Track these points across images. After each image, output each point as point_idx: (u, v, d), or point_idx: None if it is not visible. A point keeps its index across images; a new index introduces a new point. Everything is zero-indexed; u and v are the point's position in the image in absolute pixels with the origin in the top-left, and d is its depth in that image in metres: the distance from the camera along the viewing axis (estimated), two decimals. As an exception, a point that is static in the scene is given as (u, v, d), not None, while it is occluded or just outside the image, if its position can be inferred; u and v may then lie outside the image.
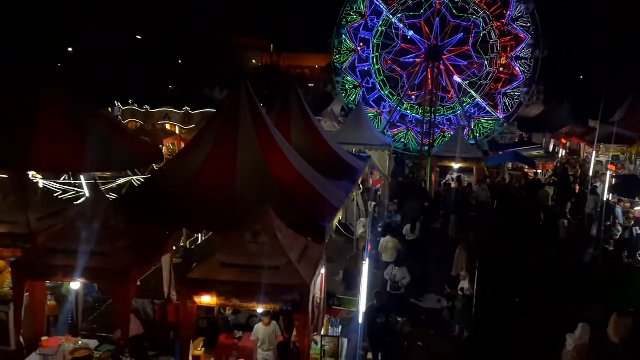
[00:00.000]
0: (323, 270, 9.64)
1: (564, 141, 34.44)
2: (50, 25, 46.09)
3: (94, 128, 14.39)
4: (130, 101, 28.51)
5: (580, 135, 31.67)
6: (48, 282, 9.63)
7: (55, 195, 14.19)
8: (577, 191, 23.58)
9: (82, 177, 15.19)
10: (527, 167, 27.41)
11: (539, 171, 28.36)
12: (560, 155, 33.59)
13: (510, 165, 28.02)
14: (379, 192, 22.65)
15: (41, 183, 14.46)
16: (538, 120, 37.18)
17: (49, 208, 11.01)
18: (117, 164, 15.48)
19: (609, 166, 23.90)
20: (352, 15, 33.42)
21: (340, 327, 10.46)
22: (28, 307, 9.21)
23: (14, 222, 10.25)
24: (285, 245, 8.54)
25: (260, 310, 8.72)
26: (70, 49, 53.71)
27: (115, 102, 28.69)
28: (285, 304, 8.13)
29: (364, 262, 9.73)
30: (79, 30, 51.47)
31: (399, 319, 11.80)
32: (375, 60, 33.81)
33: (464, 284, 12.47)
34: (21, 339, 9.14)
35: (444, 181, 24.98)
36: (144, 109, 27.93)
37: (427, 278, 14.54)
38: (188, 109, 27.55)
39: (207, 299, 8.24)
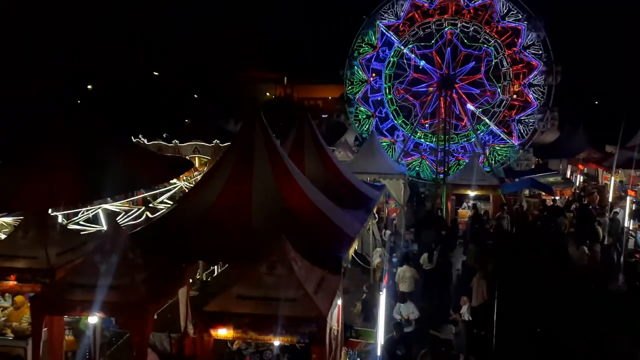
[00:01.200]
0: (340, 302, 9.56)
1: (581, 167, 34.13)
2: (69, 62, 47.32)
3: (108, 157, 14.57)
4: (164, 135, 28.95)
5: (597, 161, 31.38)
6: (66, 317, 9.68)
7: (74, 230, 14.32)
8: (596, 218, 23.21)
9: (99, 210, 15.36)
10: (544, 193, 27.13)
11: (557, 197, 28.05)
12: (577, 182, 33.25)
13: (527, 192, 27.77)
14: (394, 221, 22.55)
15: (60, 218, 14.63)
16: (554, 146, 36.94)
17: (68, 243, 11.15)
18: (137, 184, 15.67)
19: (629, 192, 23.55)
20: (363, 47, 33.93)
21: (358, 359, 10.30)
22: (46, 342, 9.24)
23: (34, 257, 10.38)
24: (301, 276, 8.51)
25: (276, 343, 8.63)
26: (89, 86, 55.05)
27: (140, 137, 29.06)
28: (302, 336, 8.05)
29: (381, 293, 9.65)
30: (97, 67, 52.81)
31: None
32: (387, 90, 34.13)
33: (464, 310, 12.30)
34: (39, 375, 9.12)
35: (470, 213, 24.62)
36: (172, 143, 28.23)
37: (446, 308, 14.32)
38: (218, 141, 27.82)
39: (223, 332, 8.20)
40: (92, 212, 15.51)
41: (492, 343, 11.96)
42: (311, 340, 8.09)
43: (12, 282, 10.32)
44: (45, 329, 9.13)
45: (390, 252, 17.41)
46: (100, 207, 15.23)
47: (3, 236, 14.44)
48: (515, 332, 12.95)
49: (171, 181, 18.30)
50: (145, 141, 28.79)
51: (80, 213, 15.77)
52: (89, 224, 15.47)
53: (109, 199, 15.34)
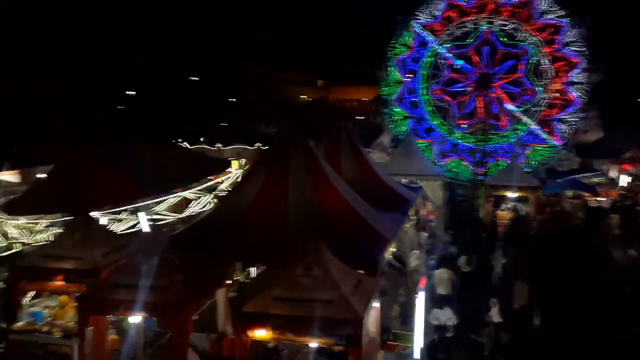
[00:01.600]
0: (376, 304, 9.52)
1: (626, 167, 32.92)
2: (111, 70, 48.70)
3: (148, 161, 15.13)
4: (201, 139, 29.59)
5: (644, 160, 30.27)
6: (110, 316, 9.97)
7: (117, 231, 14.79)
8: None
9: (140, 213, 15.77)
10: (588, 195, 26.30)
11: (601, 199, 27.14)
12: (623, 182, 32.08)
13: (569, 193, 26.98)
14: (432, 223, 22.30)
15: (104, 220, 15.11)
16: (598, 146, 35.75)
17: (112, 244, 11.48)
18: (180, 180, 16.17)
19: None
20: (399, 48, 33.72)
21: (396, 362, 10.24)
22: (91, 341, 9.54)
23: (80, 258, 10.73)
24: (337, 278, 8.53)
25: (313, 344, 8.67)
26: (133, 92, 56.58)
27: (181, 140, 29.73)
28: (339, 338, 8.06)
29: (417, 297, 9.57)
30: (138, 74, 54.22)
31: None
32: (424, 90, 33.80)
33: (493, 312, 12.05)
34: (85, 372, 9.44)
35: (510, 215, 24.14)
36: (215, 147, 28.81)
37: (486, 311, 14.06)
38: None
39: (261, 333, 8.30)
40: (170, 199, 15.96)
41: (529, 346, 11.67)
42: (348, 343, 8.09)
43: (59, 282, 10.68)
44: (91, 328, 9.44)
45: (427, 254, 17.22)
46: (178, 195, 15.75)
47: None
48: (552, 335, 12.60)
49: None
50: (187, 145, 29.34)
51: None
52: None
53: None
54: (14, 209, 15.52)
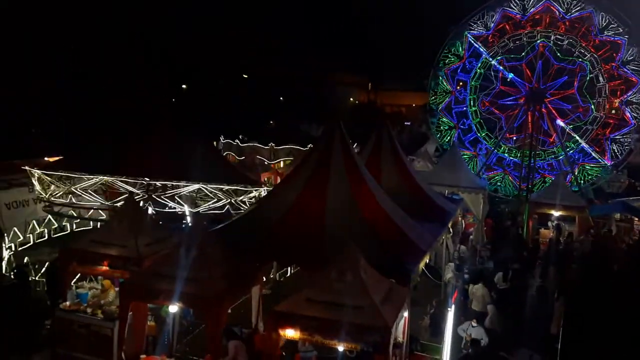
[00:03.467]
0: (406, 314, 9.61)
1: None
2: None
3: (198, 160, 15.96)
4: (240, 136, 30.14)
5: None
6: (150, 303, 10.44)
7: (161, 222, 15.39)
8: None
9: (186, 206, 16.32)
10: (637, 219, 25.39)
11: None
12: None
13: (617, 216, 26.12)
14: (471, 237, 22.07)
15: (150, 210, 15.74)
16: (651, 169, 34.49)
17: (156, 234, 12.02)
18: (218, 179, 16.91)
19: None
20: (449, 57, 33.47)
21: (422, 373, 10.29)
22: (131, 325, 10.02)
23: (125, 245, 11.28)
24: (369, 285, 8.67)
25: (340, 348, 8.84)
26: (184, 86, 58.16)
27: (221, 136, 30.46)
28: (366, 344, 8.21)
29: (449, 310, 9.60)
30: (191, 70, 55.67)
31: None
32: (472, 101, 33.42)
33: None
34: (123, 355, 9.92)
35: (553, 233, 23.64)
36: (268, 146, 29.36)
37: (520, 331, 13.87)
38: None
39: (291, 333, 8.53)
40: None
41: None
42: (375, 349, 8.23)
43: (105, 267, 11.25)
44: (131, 313, 9.92)
45: (462, 268, 17.09)
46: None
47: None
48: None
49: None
50: (239, 142, 29.83)
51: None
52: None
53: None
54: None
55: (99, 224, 18.38)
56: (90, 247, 11.35)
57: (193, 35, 57.77)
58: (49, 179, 16.61)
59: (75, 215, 18.50)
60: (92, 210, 17.67)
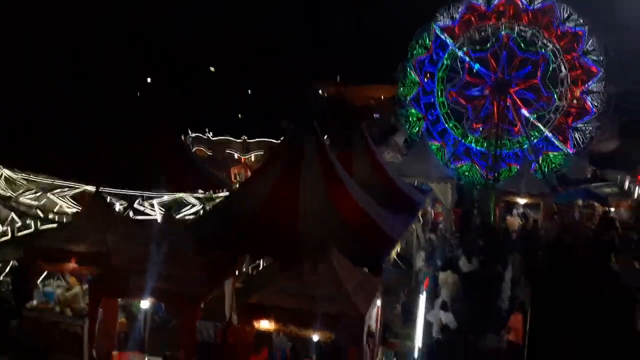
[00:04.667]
0: (379, 302, 9.74)
1: (640, 178, 32.70)
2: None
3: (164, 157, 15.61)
4: (206, 129, 29.72)
5: (658, 173, 30.03)
6: (120, 300, 10.30)
7: (131, 218, 15.15)
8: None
9: (155, 201, 16.08)
10: (598, 204, 26.25)
11: (612, 209, 27.06)
12: (635, 194, 31.90)
13: (581, 202, 26.93)
14: (440, 225, 22.44)
15: (118, 206, 15.48)
16: (612, 156, 35.62)
17: (125, 230, 11.82)
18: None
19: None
20: (417, 49, 33.77)
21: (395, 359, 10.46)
22: (101, 322, 9.88)
23: (93, 242, 11.09)
24: (342, 275, 8.75)
25: (315, 338, 8.91)
26: (148, 79, 57.09)
27: (189, 130, 30.03)
28: (341, 333, 8.30)
29: (420, 296, 9.76)
30: (156, 62, 54.68)
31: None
32: (439, 92, 33.84)
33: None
34: (94, 353, 9.78)
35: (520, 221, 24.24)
36: (241, 139, 29.00)
37: (487, 315, 14.20)
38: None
39: (265, 324, 8.56)
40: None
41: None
42: (349, 338, 8.33)
43: (73, 264, 11.03)
44: (101, 310, 9.78)
45: (433, 256, 17.38)
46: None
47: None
48: (548, 340, 12.72)
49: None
50: (211, 135, 29.41)
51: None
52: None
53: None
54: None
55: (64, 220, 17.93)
56: (57, 244, 11.13)
57: (158, 28, 56.74)
58: (19, 179, 16.09)
59: (41, 216, 18.00)
60: (57, 207, 17.24)
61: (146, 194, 15.65)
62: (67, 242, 11.10)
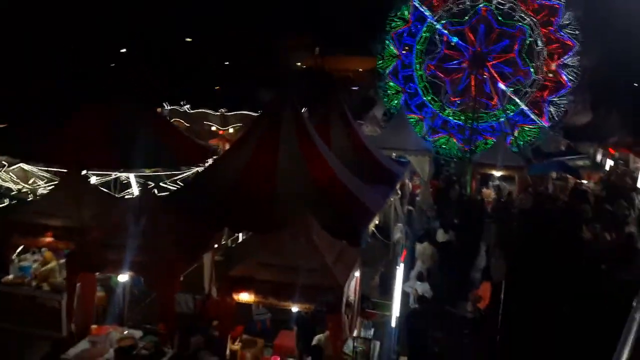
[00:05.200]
0: (357, 274, 9.87)
1: (612, 151, 33.47)
2: (104, 27, 47.78)
3: (141, 129, 14.99)
4: (182, 102, 29.16)
5: (629, 146, 30.75)
6: (98, 274, 10.24)
7: (106, 191, 14.92)
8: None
9: (131, 175, 15.86)
10: (571, 177, 26.83)
11: (585, 181, 27.70)
12: (607, 166, 32.68)
13: (554, 174, 27.49)
14: (418, 198, 22.69)
15: (93, 179, 15.23)
16: (585, 129, 36.28)
17: (101, 204, 11.67)
18: (165, 162, 16.07)
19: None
20: (396, 21, 33.55)
21: (373, 329, 10.66)
22: (79, 297, 9.82)
23: (69, 216, 10.93)
24: (321, 247, 8.83)
25: (294, 309, 9.02)
26: (123, 50, 55.68)
27: (164, 103, 29.51)
28: (320, 304, 8.42)
29: (398, 268, 9.92)
30: (131, 31, 53.24)
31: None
32: (418, 65, 33.81)
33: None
34: (72, 327, 9.74)
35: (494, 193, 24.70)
36: (219, 112, 28.48)
37: (463, 285, 14.55)
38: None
39: (245, 297, 8.62)
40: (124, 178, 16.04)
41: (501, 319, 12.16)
42: (328, 309, 8.45)
43: (49, 239, 10.89)
44: (79, 284, 9.71)
45: (410, 228, 17.63)
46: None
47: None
48: (521, 310, 13.12)
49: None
50: (188, 108, 28.85)
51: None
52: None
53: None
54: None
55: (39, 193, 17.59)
56: (33, 218, 10.94)
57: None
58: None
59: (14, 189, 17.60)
60: (32, 180, 16.90)
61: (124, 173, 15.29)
62: (43, 216, 10.93)
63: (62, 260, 11.22)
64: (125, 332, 9.91)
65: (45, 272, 11.34)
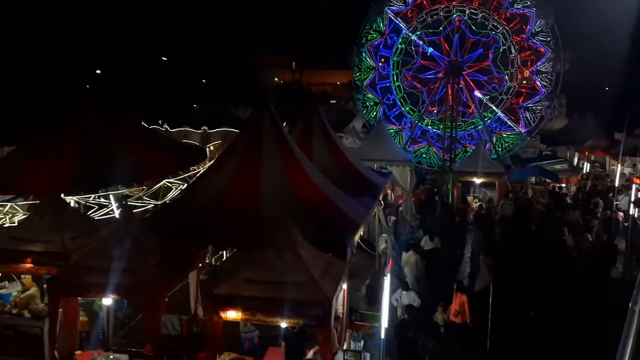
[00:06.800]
0: (345, 286, 9.85)
1: (588, 154, 34.13)
2: (79, 49, 47.45)
3: (119, 145, 14.71)
4: (159, 121, 28.92)
5: (604, 148, 31.38)
6: (80, 298, 10.04)
7: (87, 214, 14.68)
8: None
9: (111, 196, 15.64)
10: (550, 181, 27.25)
11: (563, 185, 28.16)
12: (584, 169, 33.28)
13: (533, 179, 27.89)
14: (400, 208, 22.80)
15: (73, 203, 14.98)
16: (561, 134, 36.96)
17: (82, 227, 11.47)
18: (148, 174, 15.81)
19: (634, 179, 23.64)
20: (372, 34, 33.93)
21: (362, 342, 10.62)
22: (62, 322, 9.61)
23: (50, 241, 10.70)
24: (307, 261, 8.78)
25: (283, 325, 8.94)
26: (98, 71, 55.26)
27: (142, 122, 29.24)
28: (309, 319, 8.35)
29: (385, 278, 9.89)
30: (107, 52, 52.92)
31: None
32: (395, 77, 34.18)
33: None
34: (55, 354, 9.51)
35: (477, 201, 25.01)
36: (164, 128, 28.23)
37: (450, 292, 14.57)
38: (206, 128, 27.81)
39: (232, 314, 8.51)
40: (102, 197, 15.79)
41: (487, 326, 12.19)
42: (317, 323, 8.39)
43: (29, 265, 10.65)
44: (61, 310, 9.50)
45: (395, 238, 17.67)
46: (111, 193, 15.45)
47: (16, 220, 14.96)
48: (509, 316, 13.20)
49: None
50: (168, 127, 28.56)
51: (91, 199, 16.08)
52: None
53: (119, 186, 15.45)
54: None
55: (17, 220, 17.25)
56: (11, 244, 10.68)
57: (104, 15, 54.80)
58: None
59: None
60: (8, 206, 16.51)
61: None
62: (22, 242, 10.68)
63: (44, 286, 11.00)
64: (111, 357, 9.73)
65: (26, 299, 11.08)
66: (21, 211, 15.17)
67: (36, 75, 39.38)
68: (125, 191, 15.56)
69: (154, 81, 52.23)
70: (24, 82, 37.64)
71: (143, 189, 17.21)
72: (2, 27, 40.81)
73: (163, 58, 64.79)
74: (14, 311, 10.78)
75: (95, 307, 11.39)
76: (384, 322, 9.75)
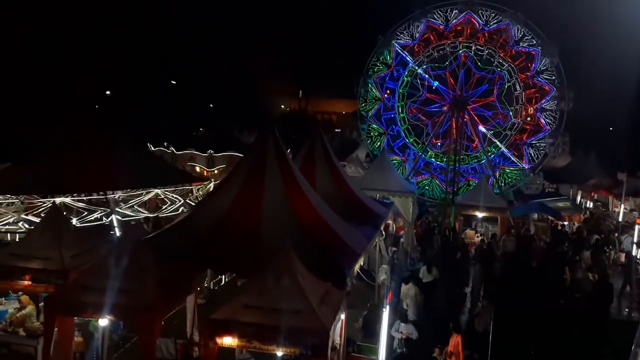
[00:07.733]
0: (343, 316, 9.73)
1: (593, 194, 34.09)
2: (90, 70, 48.15)
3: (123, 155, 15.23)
4: (165, 143, 29.17)
5: (607, 188, 31.35)
6: (77, 318, 9.94)
7: (87, 233, 14.68)
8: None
9: (114, 216, 15.67)
10: (552, 218, 27.14)
11: (566, 223, 28.03)
12: (585, 207, 33.20)
13: (535, 216, 27.79)
14: (402, 239, 22.69)
15: (74, 221, 14.99)
16: (564, 171, 36.99)
17: (81, 245, 11.45)
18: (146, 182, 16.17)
19: (637, 220, 23.55)
20: (378, 66, 34.40)
21: (359, 374, 10.45)
22: (57, 342, 9.49)
23: (48, 258, 10.67)
24: (306, 289, 8.70)
25: (279, 353, 8.82)
26: (107, 92, 55.92)
27: (148, 143, 29.51)
28: (305, 348, 8.24)
29: (384, 310, 9.81)
30: (117, 75, 53.64)
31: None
32: (400, 108, 34.51)
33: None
34: (48, 373, 9.37)
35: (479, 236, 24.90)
36: (170, 150, 28.43)
37: (448, 327, 14.39)
38: (212, 151, 27.95)
39: (228, 340, 8.40)
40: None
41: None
42: (313, 353, 8.26)
43: (27, 282, 10.60)
44: (56, 329, 9.39)
45: (395, 269, 17.54)
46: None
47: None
48: (509, 354, 12.99)
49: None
50: (174, 150, 28.73)
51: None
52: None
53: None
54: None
55: (17, 237, 17.24)
56: (10, 261, 10.65)
57: (113, 39, 55.75)
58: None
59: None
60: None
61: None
62: (21, 259, 10.65)
63: (41, 304, 10.93)
64: (103, 379, 9.58)
65: (22, 318, 10.99)
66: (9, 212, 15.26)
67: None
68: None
69: (163, 104, 52.80)
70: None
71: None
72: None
73: (172, 82, 65.63)
74: (9, 329, 10.67)
75: (91, 327, 11.28)
76: (382, 354, 9.62)
